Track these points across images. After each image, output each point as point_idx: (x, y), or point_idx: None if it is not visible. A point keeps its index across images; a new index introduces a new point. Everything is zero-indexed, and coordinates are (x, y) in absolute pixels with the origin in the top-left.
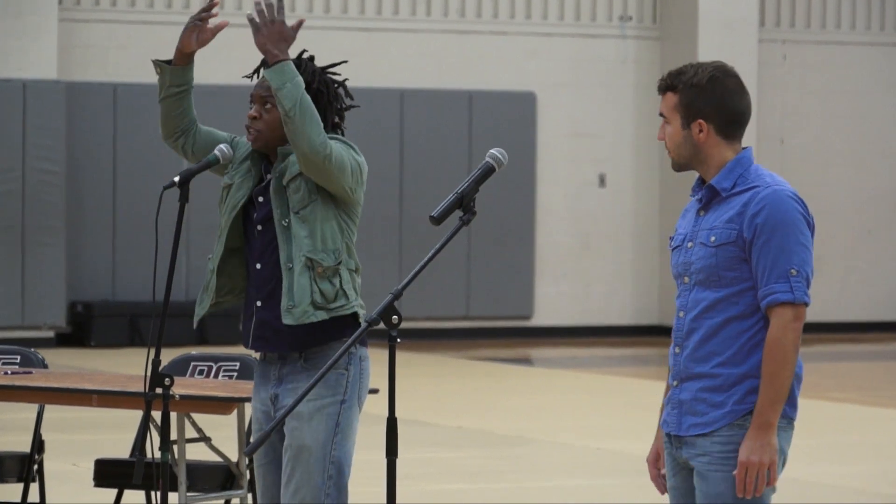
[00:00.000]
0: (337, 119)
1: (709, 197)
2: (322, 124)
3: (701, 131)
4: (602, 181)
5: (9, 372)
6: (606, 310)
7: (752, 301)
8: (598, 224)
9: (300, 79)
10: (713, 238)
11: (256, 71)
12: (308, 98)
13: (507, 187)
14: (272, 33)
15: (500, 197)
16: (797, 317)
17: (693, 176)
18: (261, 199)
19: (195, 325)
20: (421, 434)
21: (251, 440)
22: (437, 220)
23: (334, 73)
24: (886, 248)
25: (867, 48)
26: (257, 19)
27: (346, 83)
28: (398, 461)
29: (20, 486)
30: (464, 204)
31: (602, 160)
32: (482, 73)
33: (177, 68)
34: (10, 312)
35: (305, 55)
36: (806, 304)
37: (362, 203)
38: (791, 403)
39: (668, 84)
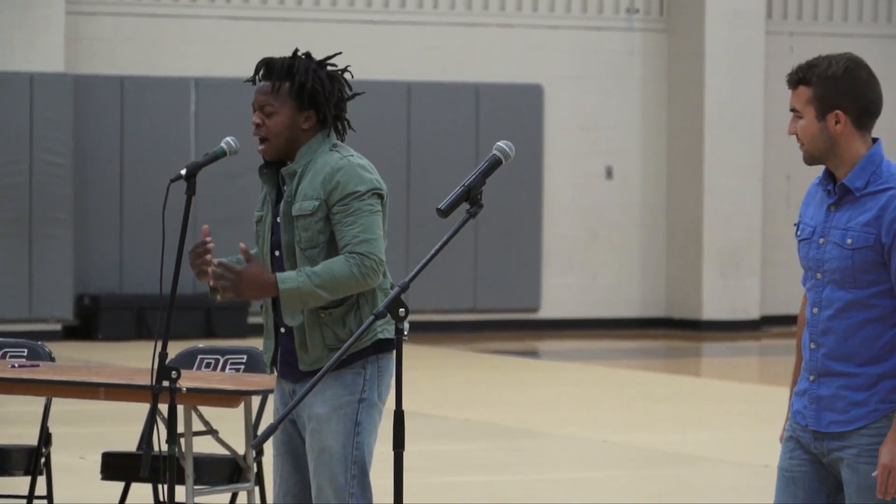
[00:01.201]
0: (336, 112)
1: (841, 194)
2: (350, 272)
3: (837, 122)
4: (609, 173)
5: (16, 365)
6: (613, 302)
7: (889, 303)
8: (605, 216)
9: (303, 284)
10: (849, 241)
11: (254, 76)
12: (320, 279)
13: (514, 180)
14: (244, 287)
15: (507, 189)
16: None
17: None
18: (278, 219)
19: (269, 371)
20: (428, 427)
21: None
22: (444, 212)
23: (333, 65)
24: None
25: (874, 40)
26: (221, 292)
27: (353, 76)
28: (405, 454)
29: (27, 479)
30: (471, 196)
31: (609, 152)
32: (489, 65)
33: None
34: (17, 305)
35: (301, 53)
36: None
37: (387, 212)
38: None
39: (801, 77)
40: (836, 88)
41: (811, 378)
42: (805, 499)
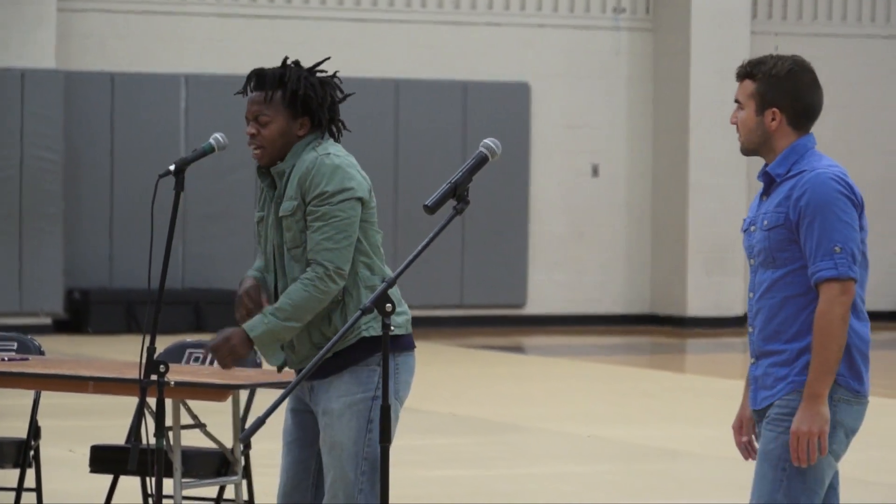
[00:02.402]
0: (330, 115)
1: (767, 182)
2: (309, 294)
3: (773, 119)
4: (595, 171)
5: (6, 358)
6: (599, 299)
7: (806, 279)
8: (591, 214)
9: (270, 324)
10: (766, 222)
11: (245, 88)
12: (284, 314)
13: (501, 177)
14: (222, 357)
15: (493, 186)
16: (843, 291)
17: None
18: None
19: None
20: (414, 421)
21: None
22: (431, 209)
23: (322, 70)
24: (874, 238)
25: (858, 40)
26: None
27: (341, 74)
28: (392, 447)
29: (17, 471)
30: (457, 193)
31: (595, 151)
32: (477, 63)
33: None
34: (7, 299)
35: (290, 61)
36: (852, 279)
37: (374, 208)
38: (856, 377)
39: (748, 72)
40: (776, 87)
41: (752, 361)
42: None
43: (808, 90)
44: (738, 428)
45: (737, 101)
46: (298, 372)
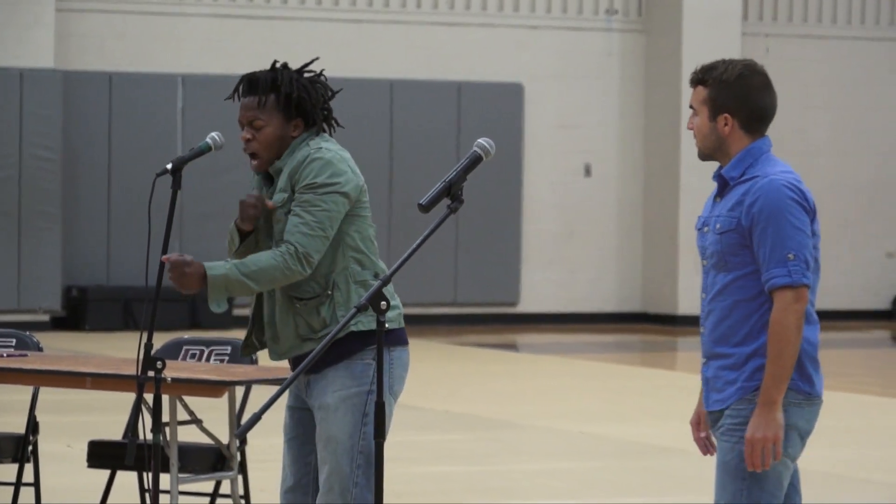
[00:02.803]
0: (325, 114)
1: (721, 185)
2: (275, 263)
3: (726, 125)
4: (587, 171)
5: (4, 355)
6: (591, 297)
7: (757, 284)
8: (584, 213)
9: (229, 272)
10: (718, 225)
11: (235, 93)
12: (246, 268)
13: (495, 176)
14: (175, 277)
15: (487, 186)
16: (797, 298)
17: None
18: None
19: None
20: (409, 417)
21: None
22: (426, 207)
23: (310, 71)
24: (865, 238)
25: (847, 42)
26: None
27: (337, 75)
28: (386, 444)
29: (15, 466)
30: (452, 192)
31: (588, 150)
32: (471, 64)
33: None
34: (6, 296)
35: (279, 64)
36: (805, 286)
37: (367, 204)
38: (806, 380)
39: (700, 78)
40: (727, 92)
41: (703, 361)
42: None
43: (758, 94)
44: (696, 424)
45: (691, 106)
46: (292, 362)
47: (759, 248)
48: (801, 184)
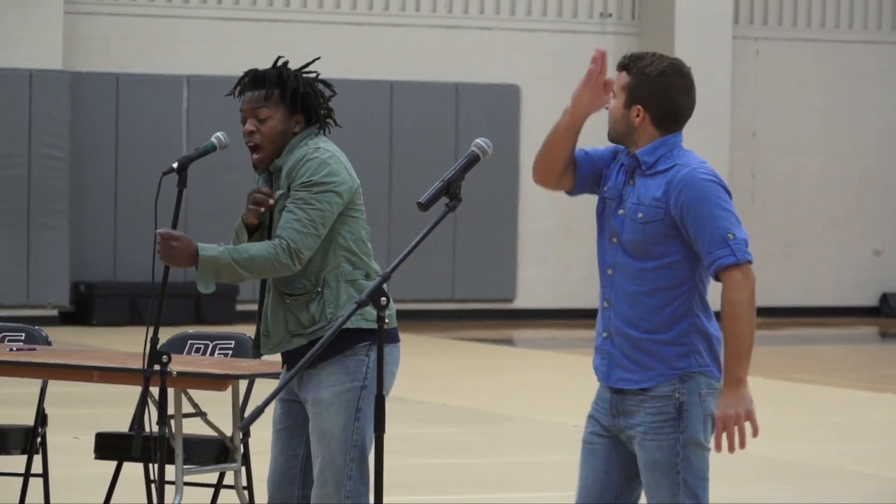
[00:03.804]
0: (324, 112)
1: (633, 166)
2: (265, 254)
3: (638, 115)
4: None
5: (14, 349)
6: (585, 293)
7: (679, 274)
8: (578, 211)
9: (221, 255)
10: (640, 215)
11: (236, 88)
12: (237, 254)
13: (492, 175)
14: (164, 251)
15: (484, 184)
16: (745, 275)
17: None
18: None
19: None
20: (408, 411)
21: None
22: (425, 206)
23: (309, 72)
24: (853, 236)
25: (835, 45)
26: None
27: (338, 76)
28: (385, 436)
29: (24, 457)
30: (450, 191)
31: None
32: (468, 66)
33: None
34: (15, 292)
35: (280, 62)
36: (749, 262)
37: (361, 205)
38: (717, 364)
39: (625, 64)
40: (645, 86)
41: (605, 335)
42: (602, 469)
43: (676, 94)
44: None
45: (614, 91)
46: (284, 357)
47: (696, 237)
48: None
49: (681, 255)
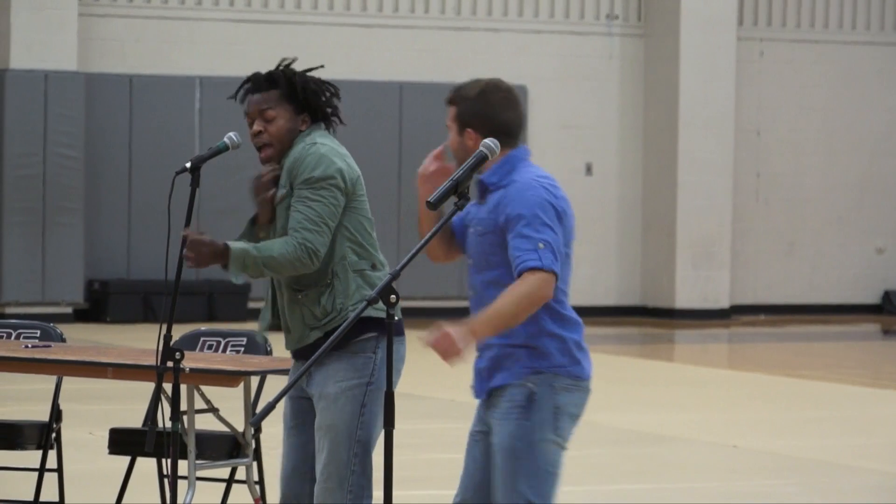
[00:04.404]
0: (329, 110)
1: (481, 190)
2: (286, 254)
3: (471, 140)
4: (588, 170)
5: (29, 346)
6: (592, 291)
7: (513, 281)
8: (585, 210)
9: (248, 250)
10: (480, 227)
11: (238, 92)
12: (263, 252)
13: None
14: (192, 251)
15: None
16: (541, 281)
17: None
18: None
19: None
20: (416, 407)
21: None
22: (434, 205)
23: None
24: (855, 234)
25: (838, 46)
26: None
27: (348, 77)
28: (395, 431)
29: (39, 452)
30: (458, 190)
31: (589, 150)
32: (477, 67)
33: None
34: (31, 289)
35: (283, 64)
36: (553, 272)
37: (364, 196)
38: (575, 364)
39: (450, 98)
40: (469, 110)
41: (477, 354)
42: (474, 462)
43: (499, 109)
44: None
45: (448, 126)
46: (294, 353)
47: (512, 244)
48: (556, 188)
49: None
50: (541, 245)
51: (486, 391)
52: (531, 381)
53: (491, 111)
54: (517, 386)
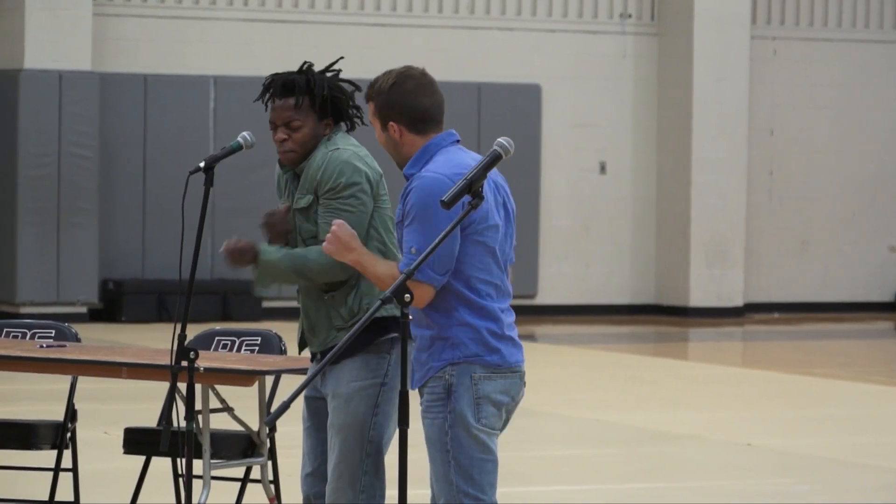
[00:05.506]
0: (353, 111)
1: (406, 183)
2: (317, 263)
3: (395, 132)
4: (602, 168)
5: (44, 345)
6: (606, 289)
7: None
8: (599, 209)
9: (280, 260)
10: (398, 217)
11: (263, 94)
12: (294, 260)
13: (513, 174)
14: (227, 253)
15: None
16: (411, 285)
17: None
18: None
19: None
20: None
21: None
22: (447, 204)
23: (333, 70)
24: (868, 232)
25: (851, 44)
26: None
27: (361, 76)
28: (409, 430)
29: (54, 452)
30: (472, 189)
31: (602, 149)
32: (490, 66)
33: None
34: (45, 289)
35: (305, 66)
36: (419, 282)
37: (386, 195)
38: (491, 352)
39: (368, 95)
40: (385, 102)
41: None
42: None
43: (414, 96)
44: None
45: (371, 122)
46: (317, 357)
47: (403, 239)
48: (457, 178)
49: None
50: (413, 250)
51: (415, 384)
52: (447, 372)
53: (407, 100)
54: (436, 379)
